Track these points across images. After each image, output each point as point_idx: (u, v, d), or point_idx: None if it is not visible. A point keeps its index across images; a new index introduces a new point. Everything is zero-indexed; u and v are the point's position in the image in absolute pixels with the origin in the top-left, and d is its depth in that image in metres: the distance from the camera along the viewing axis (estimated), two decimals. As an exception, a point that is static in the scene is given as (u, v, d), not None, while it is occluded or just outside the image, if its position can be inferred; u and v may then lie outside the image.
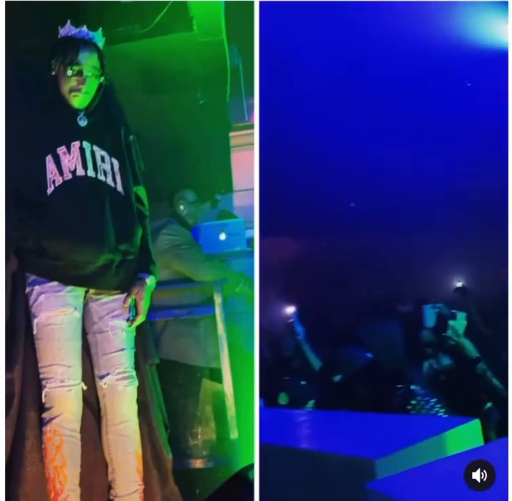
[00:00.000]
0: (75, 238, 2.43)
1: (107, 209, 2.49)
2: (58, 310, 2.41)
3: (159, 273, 2.69)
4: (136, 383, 2.51)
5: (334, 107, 4.82)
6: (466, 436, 1.76)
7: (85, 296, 2.51)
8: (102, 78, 2.56)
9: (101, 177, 2.52)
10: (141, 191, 2.70)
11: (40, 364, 2.39)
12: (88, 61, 2.51)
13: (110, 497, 2.48)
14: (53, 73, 2.52)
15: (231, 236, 3.64)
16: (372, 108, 4.87)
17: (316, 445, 1.99)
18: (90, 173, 2.49)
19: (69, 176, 2.46)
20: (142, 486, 2.48)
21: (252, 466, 2.22)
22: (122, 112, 2.73)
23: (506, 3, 3.25)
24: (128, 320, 2.52)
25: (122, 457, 2.46)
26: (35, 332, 2.41)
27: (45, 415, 2.37)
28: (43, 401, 2.37)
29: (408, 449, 1.63)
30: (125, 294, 2.53)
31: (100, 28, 2.59)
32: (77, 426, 2.39)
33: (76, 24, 2.54)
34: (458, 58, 4.38)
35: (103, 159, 2.54)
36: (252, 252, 3.47)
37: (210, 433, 3.35)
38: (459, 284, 5.34)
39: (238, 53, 3.96)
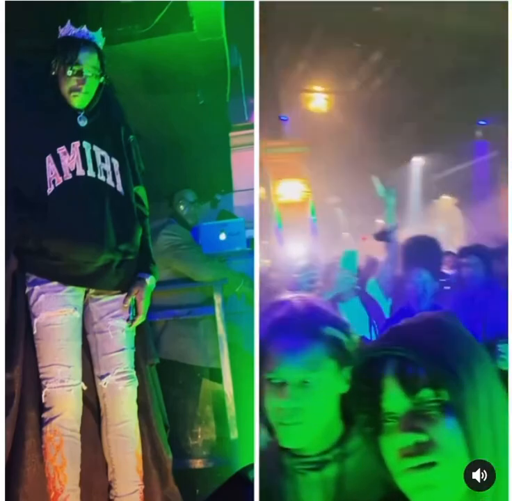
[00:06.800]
0: (75, 238, 2.43)
1: (107, 209, 2.49)
2: (58, 310, 2.41)
3: (159, 273, 2.69)
4: (136, 383, 2.51)
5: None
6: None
7: (85, 296, 2.51)
8: (102, 78, 2.56)
9: (101, 177, 2.52)
10: (141, 191, 2.70)
11: (40, 364, 2.39)
12: (88, 61, 2.51)
13: (110, 497, 2.48)
14: (53, 73, 2.52)
15: (231, 236, 3.64)
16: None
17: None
18: (90, 173, 2.49)
19: (69, 176, 2.47)
20: (142, 486, 2.48)
21: (252, 466, 2.21)
22: (122, 112, 2.73)
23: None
24: (128, 320, 2.52)
25: (122, 457, 2.46)
26: (35, 332, 2.40)
27: (45, 415, 2.37)
28: (43, 401, 2.37)
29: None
30: (125, 294, 2.53)
31: (100, 28, 2.59)
32: (77, 426, 2.39)
33: (76, 24, 2.55)
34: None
35: (103, 159, 2.54)
36: (252, 252, 3.47)
37: (210, 433, 3.34)
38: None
39: (238, 53, 3.96)
